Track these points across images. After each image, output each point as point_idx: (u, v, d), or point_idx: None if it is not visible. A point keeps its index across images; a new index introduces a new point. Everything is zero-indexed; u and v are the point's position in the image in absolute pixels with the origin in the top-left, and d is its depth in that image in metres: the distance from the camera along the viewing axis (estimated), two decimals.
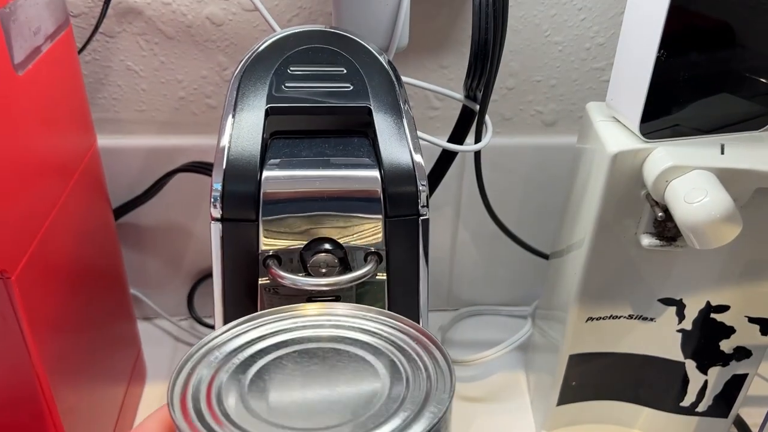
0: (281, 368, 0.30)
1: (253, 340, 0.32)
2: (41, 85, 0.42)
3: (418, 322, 0.41)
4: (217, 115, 0.60)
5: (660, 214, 0.43)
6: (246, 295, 0.38)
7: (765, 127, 0.46)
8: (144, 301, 0.68)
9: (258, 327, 0.33)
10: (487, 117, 0.50)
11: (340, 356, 0.31)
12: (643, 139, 0.44)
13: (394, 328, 0.32)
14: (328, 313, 0.33)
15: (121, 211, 0.62)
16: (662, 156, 0.43)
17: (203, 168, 0.59)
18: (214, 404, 0.28)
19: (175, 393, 0.28)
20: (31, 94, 0.40)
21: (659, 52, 0.41)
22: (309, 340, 0.32)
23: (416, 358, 0.31)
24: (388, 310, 0.38)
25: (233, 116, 0.40)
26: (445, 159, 0.54)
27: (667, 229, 0.46)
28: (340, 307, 0.33)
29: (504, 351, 0.64)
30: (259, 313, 0.33)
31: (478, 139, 0.50)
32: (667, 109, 0.43)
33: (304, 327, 0.33)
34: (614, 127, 0.46)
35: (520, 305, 0.72)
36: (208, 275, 0.68)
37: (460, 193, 0.65)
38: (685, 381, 0.54)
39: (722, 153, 0.43)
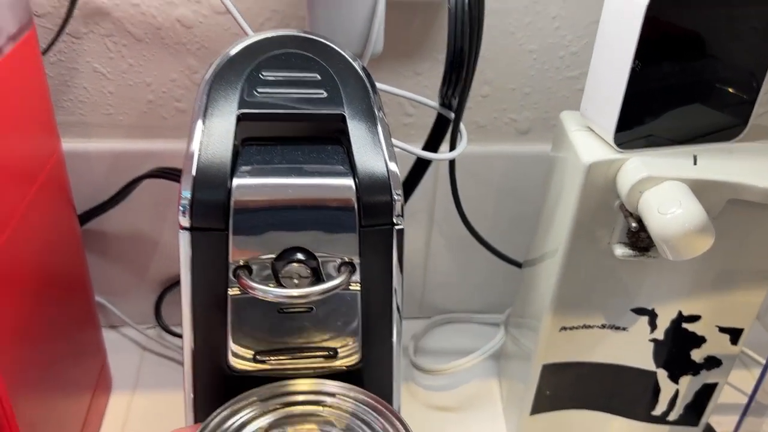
0: None
1: (249, 420, 0.34)
2: (2, 87, 0.40)
3: (392, 334, 0.40)
4: (187, 119, 0.59)
5: (633, 224, 0.43)
6: (215, 305, 0.37)
7: (736, 139, 0.46)
8: (110, 309, 0.67)
9: (245, 413, 0.35)
10: (462, 125, 0.50)
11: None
12: (617, 149, 0.44)
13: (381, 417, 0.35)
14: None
15: (86, 216, 0.60)
16: (636, 166, 0.43)
17: (171, 174, 0.58)
18: None
19: None
20: None
21: (634, 62, 0.41)
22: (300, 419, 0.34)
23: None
24: (361, 322, 0.38)
25: (203, 122, 0.39)
26: (420, 167, 0.53)
27: (640, 239, 0.46)
28: (331, 386, 0.36)
29: (476, 360, 0.64)
30: (242, 397, 0.35)
31: (452, 147, 0.49)
32: (641, 119, 0.43)
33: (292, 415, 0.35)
34: (588, 137, 0.46)
35: (492, 313, 0.72)
36: (177, 283, 0.67)
37: (434, 200, 0.64)
38: (657, 390, 0.55)
39: (695, 164, 0.44)
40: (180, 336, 0.68)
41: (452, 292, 0.72)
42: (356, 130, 0.39)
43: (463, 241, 0.66)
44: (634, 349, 0.53)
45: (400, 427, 0.34)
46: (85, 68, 0.55)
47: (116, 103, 0.57)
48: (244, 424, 0.34)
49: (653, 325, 0.51)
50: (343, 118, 0.40)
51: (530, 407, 0.56)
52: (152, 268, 0.66)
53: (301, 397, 0.36)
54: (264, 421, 0.34)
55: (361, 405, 0.35)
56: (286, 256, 0.37)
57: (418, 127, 0.60)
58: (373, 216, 0.37)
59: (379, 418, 0.34)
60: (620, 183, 0.43)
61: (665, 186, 0.42)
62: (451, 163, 0.52)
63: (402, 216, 0.38)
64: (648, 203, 0.41)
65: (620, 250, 0.46)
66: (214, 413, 0.34)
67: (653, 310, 0.51)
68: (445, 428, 0.62)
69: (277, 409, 0.35)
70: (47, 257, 0.48)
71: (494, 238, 0.63)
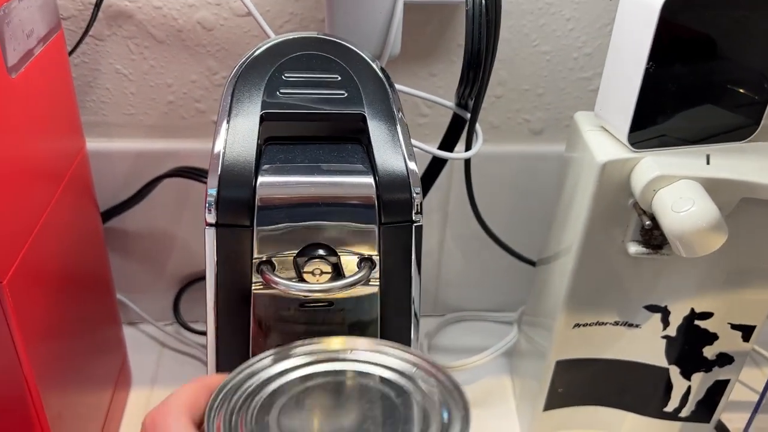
0: (306, 400, 0.32)
1: (278, 373, 0.34)
2: (33, 88, 0.42)
3: (410, 329, 0.41)
4: (206, 120, 0.60)
5: (647, 222, 0.44)
6: (239, 300, 0.38)
7: (749, 138, 0.47)
8: (129, 306, 0.68)
9: (281, 361, 0.35)
10: (477, 125, 0.50)
11: (362, 392, 0.33)
12: (631, 148, 0.44)
13: (415, 365, 0.34)
14: (350, 347, 0.35)
15: (107, 215, 0.61)
16: (650, 165, 0.43)
17: (191, 173, 0.59)
18: (246, 427, 0.30)
19: (212, 415, 0.30)
20: (23, 98, 0.40)
21: (648, 63, 0.41)
22: (331, 375, 0.34)
23: (432, 395, 0.32)
24: (380, 316, 0.39)
25: (228, 122, 0.40)
26: (435, 166, 0.54)
27: (653, 237, 0.47)
28: (362, 342, 0.36)
29: (490, 357, 0.64)
30: (279, 348, 0.35)
31: (468, 147, 0.50)
32: (655, 119, 0.44)
33: (326, 361, 0.35)
34: (602, 137, 0.46)
35: (505, 311, 0.73)
36: (195, 280, 0.68)
37: (448, 199, 0.65)
38: (669, 387, 0.55)
39: (708, 163, 0.44)
40: (198, 332, 0.69)
41: (465, 291, 0.72)
42: (376, 130, 0.40)
43: (476, 240, 0.67)
44: (646, 345, 0.53)
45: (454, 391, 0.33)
46: (107, 69, 0.57)
47: (137, 104, 0.59)
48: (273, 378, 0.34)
49: (666, 322, 0.52)
50: (363, 118, 0.41)
51: (543, 403, 0.57)
52: (171, 266, 0.67)
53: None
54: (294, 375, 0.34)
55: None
56: (307, 252, 0.38)
57: (432, 127, 0.61)
58: (392, 213, 0.38)
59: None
60: (634, 182, 0.44)
61: (679, 184, 0.42)
62: (467, 162, 0.53)
63: (421, 213, 0.38)
64: (662, 201, 0.42)
65: (634, 248, 0.47)
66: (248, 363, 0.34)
67: (666, 307, 0.51)
68: None
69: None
70: (72, 255, 0.49)
71: (508, 237, 0.64)
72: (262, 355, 0.35)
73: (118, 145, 0.60)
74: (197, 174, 0.59)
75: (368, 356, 0.35)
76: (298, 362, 0.35)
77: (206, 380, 0.33)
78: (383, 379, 0.34)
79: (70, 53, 0.54)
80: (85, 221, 0.53)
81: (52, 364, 0.44)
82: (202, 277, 0.67)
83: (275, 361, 0.35)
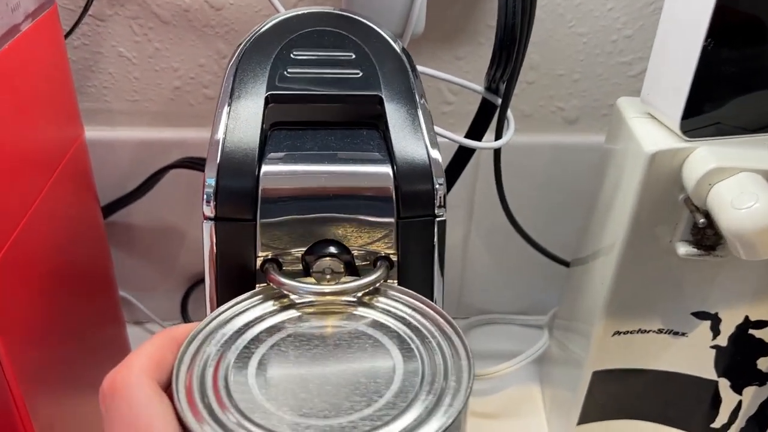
0: (289, 349, 0.29)
1: (257, 318, 0.31)
2: (18, 67, 0.38)
3: None
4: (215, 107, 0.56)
5: (701, 220, 0.39)
6: None
7: None
8: (135, 305, 0.64)
9: (261, 304, 0.31)
10: (509, 112, 0.46)
11: (352, 337, 0.30)
12: (684, 137, 0.40)
13: (410, 307, 0.31)
14: (341, 291, 0.32)
15: (110, 208, 0.58)
16: (705, 156, 0.39)
17: (199, 164, 0.55)
18: (220, 387, 0.27)
19: (180, 373, 0.27)
20: (7, 77, 0.37)
21: (706, 40, 0.37)
22: (319, 317, 0.31)
23: (431, 339, 0.30)
24: None
25: (229, 104, 0.36)
26: (461, 157, 0.50)
27: (706, 236, 0.42)
28: (353, 285, 0.32)
29: (519, 365, 0.60)
30: (261, 288, 0.32)
31: (498, 136, 0.46)
32: (712, 104, 0.39)
33: (314, 304, 0.31)
34: (650, 125, 0.42)
35: (533, 314, 0.69)
36: (203, 279, 0.65)
37: (473, 194, 0.61)
38: (717, 401, 0.51)
39: None
40: None
41: (492, 292, 0.68)
42: (394, 114, 0.36)
43: (503, 238, 0.62)
44: (693, 356, 0.49)
45: (456, 340, 0.29)
46: (109, 52, 0.53)
47: (142, 89, 0.55)
48: (251, 322, 0.30)
49: (716, 331, 0.47)
50: (380, 100, 0.36)
51: (578, 417, 0.52)
52: (179, 263, 0.63)
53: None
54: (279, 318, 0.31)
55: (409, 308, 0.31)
56: (317, 249, 0.34)
57: (458, 116, 0.57)
58: (412, 206, 0.34)
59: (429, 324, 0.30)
60: (687, 174, 0.39)
61: (739, 178, 0.38)
62: (496, 152, 0.49)
63: (444, 207, 0.34)
64: (720, 196, 0.37)
65: (683, 249, 0.42)
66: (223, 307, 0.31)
67: (717, 314, 0.47)
68: None
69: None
70: (68, 248, 0.46)
71: (538, 235, 0.59)
72: (237, 299, 0.31)
73: (121, 134, 0.56)
74: (204, 165, 0.55)
75: (372, 300, 0.32)
76: (279, 306, 0.31)
77: (173, 332, 0.29)
78: (377, 324, 0.30)
79: (68, 34, 0.51)
80: (82, 213, 0.49)
81: (42, 367, 0.41)
82: None
83: (253, 305, 0.31)
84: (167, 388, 0.27)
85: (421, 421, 0.26)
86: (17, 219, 0.38)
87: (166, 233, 0.61)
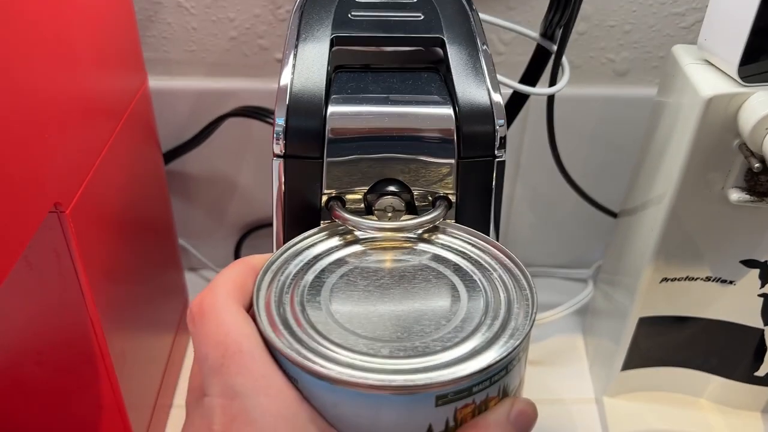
0: (358, 279, 0.31)
1: (325, 251, 0.32)
2: (94, 18, 0.40)
3: None
4: (269, 58, 0.57)
5: (756, 164, 0.40)
6: None
7: None
8: (191, 252, 0.67)
9: (327, 239, 0.33)
10: (564, 58, 0.46)
11: (416, 269, 0.31)
12: (741, 82, 0.40)
13: (474, 246, 0.33)
14: (402, 227, 0.33)
15: (169, 157, 0.60)
16: (763, 101, 0.39)
17: (255, 113, 0.57)
18: (297, 309, 0.29)
19: (260, 296, 0.29)
20: (83, 27, 0.38)
21: None
22: (382, 252, 0.32)
23: (492, 272, 0.31)
24: None
25: (296, 47, 0.37)
26: (514, 104, 0.50)
27: (759, 183, 0.42)
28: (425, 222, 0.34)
29: (563, 313, 0.61)
30: (325, 225, 0.34)
31: (553, 82, 0.46)
32: None
33: (376, 240, 0.33)
34: (706, 71, 0.42)
35: (575, 268, 0.69)
36: (257, 227, 0.67)
37: (521, 146, 0.61)
38: (762, 350, 0.51)
39: None
40: None
41: (536, 245, 0.69)
42: (456, 57, 0.37)
43: (548, 191, 0.63)
44: (740, 304, 0.49)
45: (517, 272, 0.31)
46: (168, 2, 0.54)
47: (199, 40, 0.56)
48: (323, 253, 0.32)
49: (765, 279, 0.48)
50: (442, 42, 0.37)
51: (621, 363, 0.53)
52: (233, 212, 0.65)
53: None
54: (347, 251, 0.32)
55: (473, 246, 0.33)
56: (379, 188, 0.35)
57: (509, 66, 0.57)
58: (473, 147, 0.35)
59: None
60: (743, 119, 0.40)
61: None
62: (550, 100, 0.49)
63: (504, 148, 0.35)
64: None
65: (736, 195, 0.42)
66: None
67: (766, 262, 0.47)
68: (528, 383, 0.60)
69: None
70: (134, 193, 0.48)
71: (585, 187, 0.60)
72: (305, 234, 0.33)
73: (179, 84, 0.58)
74: (261, 113, 0.56)
75: (432, 237, 0.33)
76: (343, 241, 0.33)
77: (251, 260, 0.31)
78: (439, 258, 0.32)
79: None
80: (146, 160, 0.51)
81: (115, 301, 0.43)
82: (264, 224, 0.66)
83: (320, 240, 0.33)
84: (248, 310, 0.29)
85: (490, 341, 0.27)
86: (92, 159, 0.40)
87: (221, 182, 0.63)
